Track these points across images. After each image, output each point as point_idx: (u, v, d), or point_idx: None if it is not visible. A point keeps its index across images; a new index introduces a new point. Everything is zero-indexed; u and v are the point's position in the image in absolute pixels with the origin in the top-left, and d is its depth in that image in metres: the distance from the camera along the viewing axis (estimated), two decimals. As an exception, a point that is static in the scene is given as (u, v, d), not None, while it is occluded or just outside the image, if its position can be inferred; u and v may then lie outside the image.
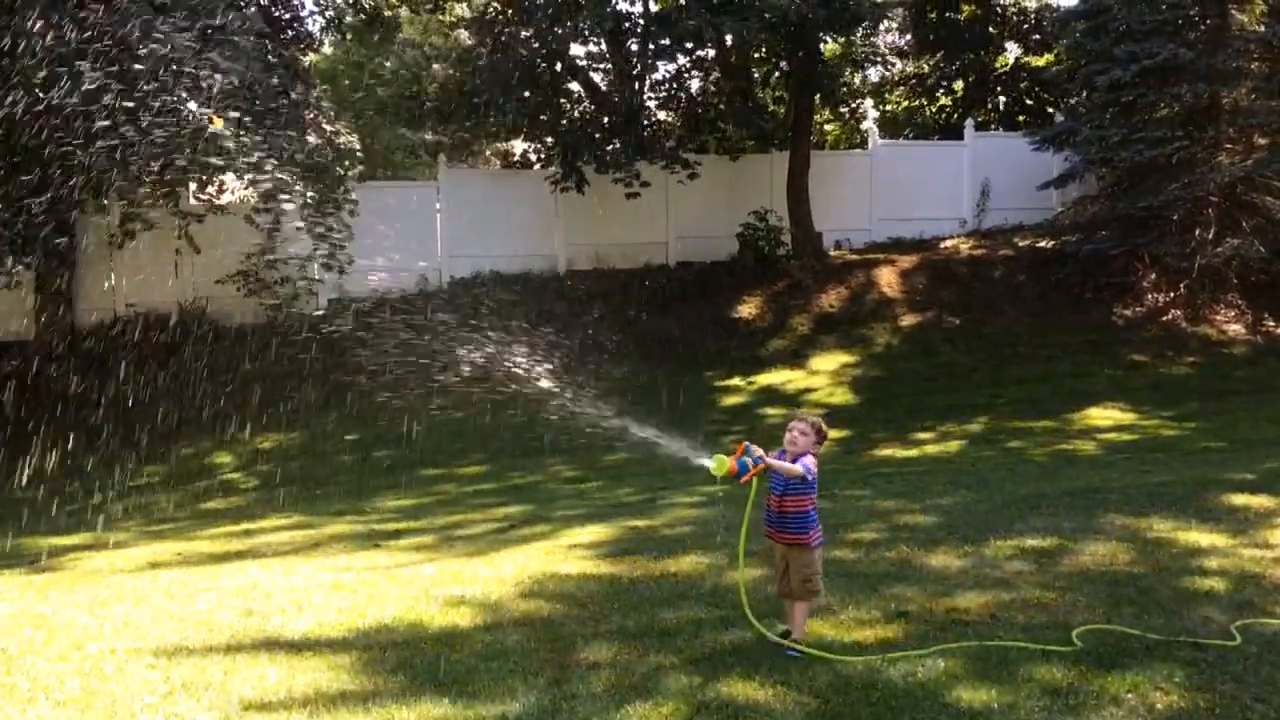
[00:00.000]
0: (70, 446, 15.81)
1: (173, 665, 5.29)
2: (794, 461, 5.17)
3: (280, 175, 16.48)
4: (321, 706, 4.59)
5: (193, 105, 14.81)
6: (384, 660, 5.25)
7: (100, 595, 7.20)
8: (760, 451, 5.08)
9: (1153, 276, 18.55)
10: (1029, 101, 27.24)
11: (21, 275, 16.78)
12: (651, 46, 19.65)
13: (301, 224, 17.28)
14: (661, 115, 21.96)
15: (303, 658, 5.33)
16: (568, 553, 7.61)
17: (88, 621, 6.34)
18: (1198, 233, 18.02)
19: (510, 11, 20.58)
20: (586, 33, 19.85)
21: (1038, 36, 26.28)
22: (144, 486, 14.59)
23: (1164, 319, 18.07)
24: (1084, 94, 19.98)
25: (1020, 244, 21.10)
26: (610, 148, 19.62)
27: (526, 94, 20.57)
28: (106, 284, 19.31)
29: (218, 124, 15.94)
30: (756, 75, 23.60)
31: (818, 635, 5.33)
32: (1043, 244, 20.72)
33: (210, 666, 5.23)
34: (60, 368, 17.31)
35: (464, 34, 24.56)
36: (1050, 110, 25.15)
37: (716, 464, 5.04)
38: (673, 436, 5.69)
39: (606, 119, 20.29)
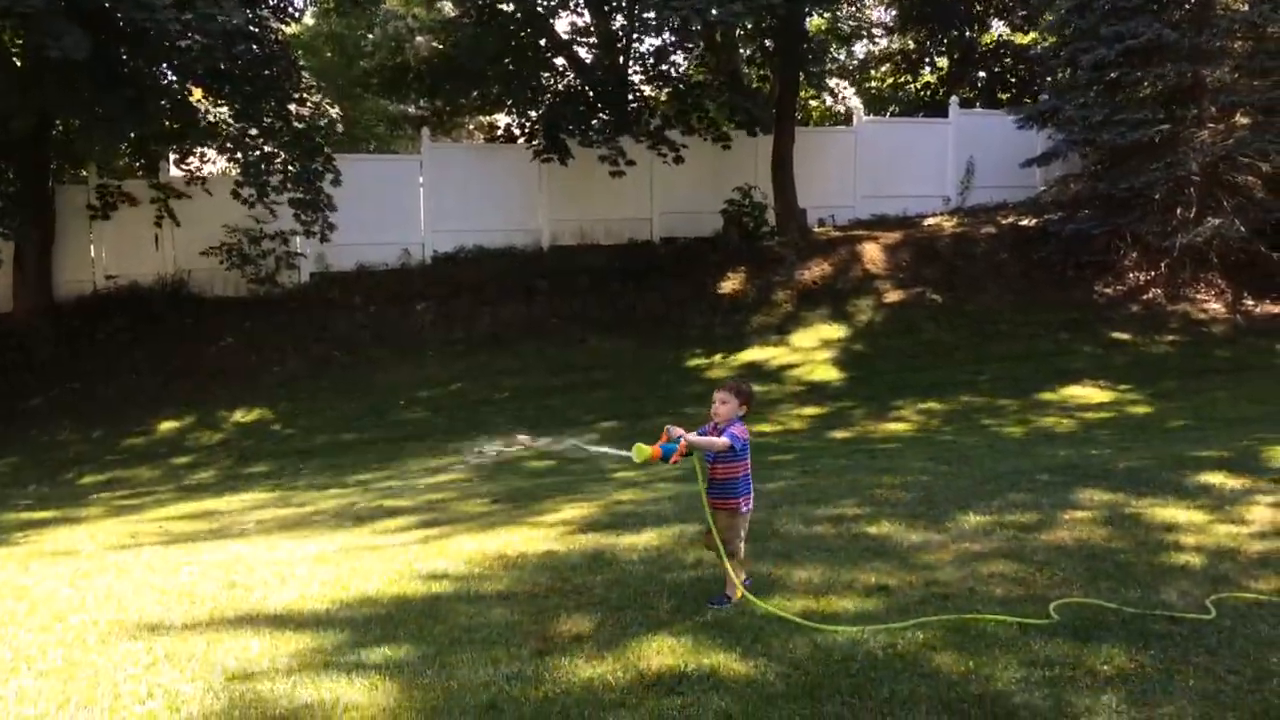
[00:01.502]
0: (49, 420, 15.75)
1: (155, 637, 5.30)
2: (721, 432, 5.32)
3: (263, 146, 16.37)
4: (305, 677, 4.61)
5: (172, 75, 14.66)
6: (368, 632, 5.27)
7: (81, 568, 7.19)
8: (681, 431, 5.21)
9: (1134, 255, 18.66)
10: (1012, 79, 27.26)
11: (0, 248, 16.64)
12: (637, 21, 19.55)
13: (284, 195, 17.16)
14: (647, 90, 21.83)
15: (286, 629, 5.35)
16: (551, 528, 7.63)
17: (69, 593, 6.34)
18: (1179, 212, 18.12)
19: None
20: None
21: (1023, 13, 26.26)
22: (124, 459, 14.54)
23: (1145, 298, 18.19)
24: (1068, 72, 20.01)
25: (1003, 222, 21.18)
26: (595, 121, 19.53)
27: (510, 65, 20.46)
28: (86, 256, 19.14)
29: (197, 95, 15.79)
30: (743, 52, 23.50)
31: (801, 609, 5.37)
32: (1025, 222, 20.79)
33: (193, 638, 5.24)
34: (39, 341, 17.19)
35: (448, 4, 24.35)
36: (1034, 88, 25.16)
37: (636, 452, 5.13)
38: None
39: (591, 91, 20.16)
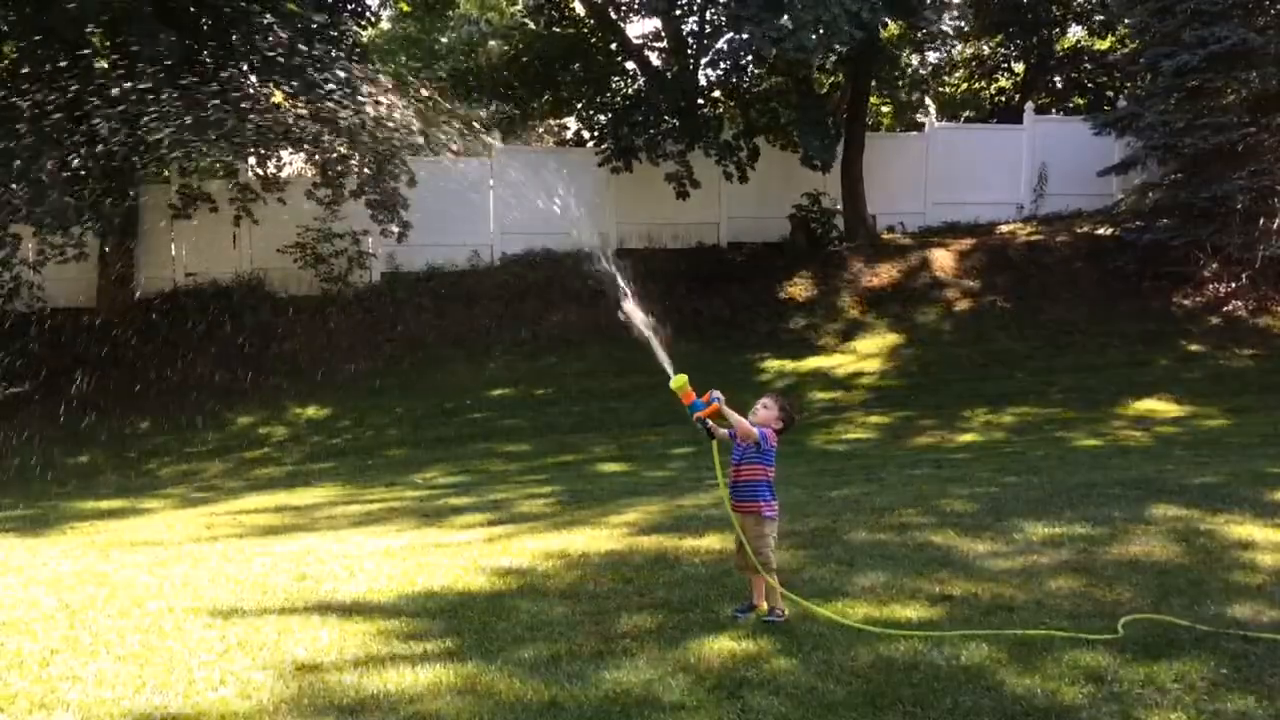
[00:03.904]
0: (130, 412, 16.21)
1: (229, 625, 5.44)
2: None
3: (339, 148, 16.63)
4: (371, 668, 4.71)
5: (253, 77, 14.98)
6: (433, 626, 5.36)
7: (159, 556, 7.41)
8: (720, 395, 5.26)
9: (1214, 266, 18.18)
10: (1090, 85, 26.71)
11: (88, 244, 17.14)
12: (708, 28, 19.55)
13: (360, 196, 17.40)
14: (716, 94, 21.75)
15: (354, 621, 5.46)
16: (614, 529, 7.68)
17: (147, 580, 6.54)
18: (1262, 222, 17.63)
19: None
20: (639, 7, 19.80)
21: (1101, 17, 25.71)
22: (200, 453, 14.91)
23: (1225, 310, 17.72)
24: (1148, 78, 19.56)
25: (1079, 230, 20.76)
26: (663, 127, 19.51)
27: (580, 69, 20.57)
28: (168, 254, 19.66)
29: (278, 98, 16.11)
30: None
31: (863, 615, 5.34)
32: (1102, 231, 20.37)
33: (265, 627, 5.38)
34: (122, 335, 17.68)
35: (519, 7, 24.63)
36: (1111, 94, 24.63)
37: (675, 379, 5.23)
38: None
39: (661, 96, 20.16)
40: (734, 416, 5.29)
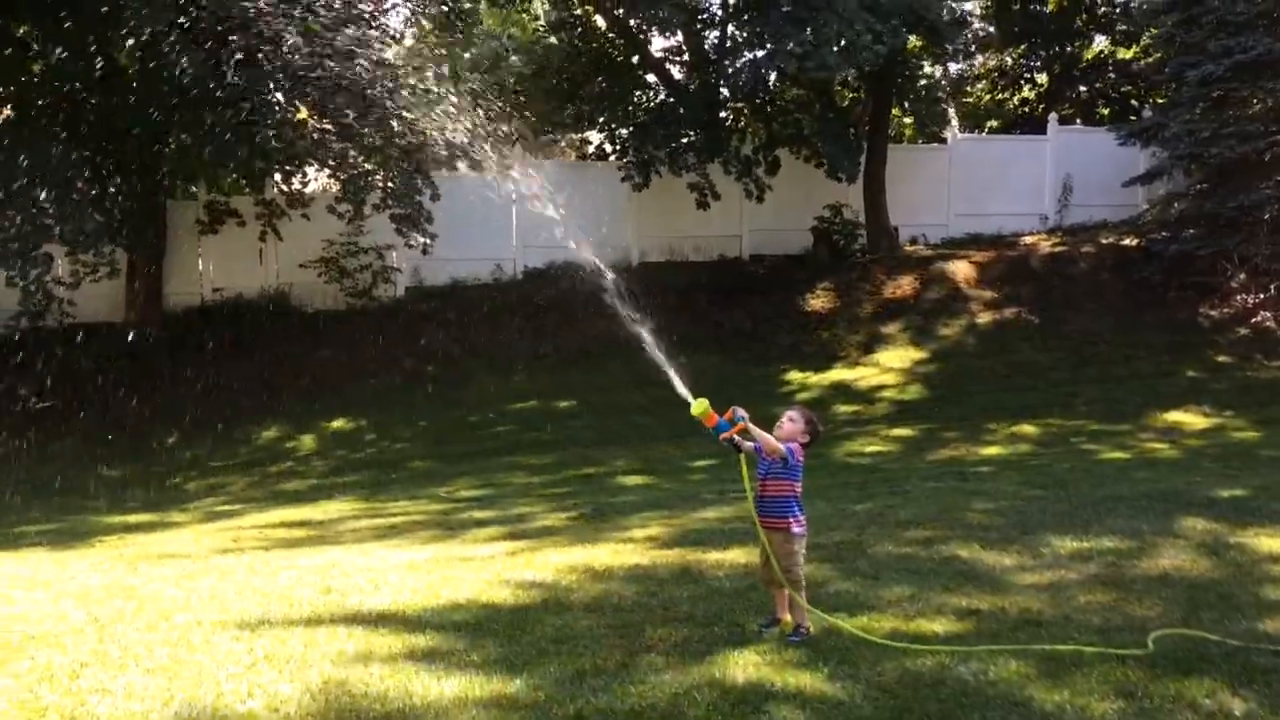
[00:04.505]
0: (157, 427, 16.34)
1: (256, 637, 5.47)
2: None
3: (363, 164, 16.73)
4: (397, 681, 4.72)
5: (279, 96, 15.10)
6: (458, 639, 5.37)
7: (187, 569, 7.47)
8: (744, 414, 5.19)
9: (1241, 277, 18.01)
10: (1114, 94, 26.57)
11: (117, 259, 17.32)
12: (729, 43, 19.57)
13: (384, 211, 17.50)
14: (740, 105, 21.75)
15: (379, 634, 5.48)
16: (637, 543, 7.68)
17: (175, 594, 6.59)
18: (1289, 232, 17.48)
19: (590, 6, 20.69)
20: (662, 22, 19.82)
21: (1125, 27, 25.59)
22: (226, 466, 15.01)
23: (1253, 320, 17.54)
24: (1173, 88, 19.44)
25: (1104, 241, 20.62)
26: (684, 140, 19.55)
27: (603, 83, 20.63)
28: (195, 269, 19.85)
29: (303, 114, 16.25)
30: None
31: (889, 630, 5.32)
32: (1127, 242, 20.23)
33: (291, 639, 5.40)
34: (149, 350, 17.84)
35: (542, 23, 24.76)
36: (1136, 104, 24.51)
37: (696, 405, 5.19)
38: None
39: (682, 108, 20.19)
40: (758, 433, 5.24)
